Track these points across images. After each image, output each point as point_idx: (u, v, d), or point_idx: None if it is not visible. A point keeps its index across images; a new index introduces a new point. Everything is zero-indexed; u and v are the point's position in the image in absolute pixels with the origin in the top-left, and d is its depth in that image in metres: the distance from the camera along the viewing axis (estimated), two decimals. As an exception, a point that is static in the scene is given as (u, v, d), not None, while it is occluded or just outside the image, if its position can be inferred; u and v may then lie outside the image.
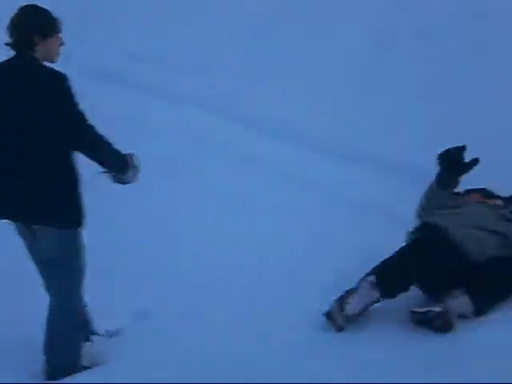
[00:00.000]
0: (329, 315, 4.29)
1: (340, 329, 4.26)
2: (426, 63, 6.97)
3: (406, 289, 4.33)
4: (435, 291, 4.38)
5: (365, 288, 4.27)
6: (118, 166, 4.04)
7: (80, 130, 3.85)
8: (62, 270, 4.04)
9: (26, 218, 3.99)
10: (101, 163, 3.98)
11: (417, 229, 4.65)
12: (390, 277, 4.29)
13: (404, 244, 4.55)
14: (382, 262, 4.40)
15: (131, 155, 4.09)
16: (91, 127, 3.88)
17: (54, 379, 4.09)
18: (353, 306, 4.24)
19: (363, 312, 4.27)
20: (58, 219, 3.94)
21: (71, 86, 3.83)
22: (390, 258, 4.41)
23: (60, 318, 4.12)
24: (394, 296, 4.32)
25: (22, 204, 3.92)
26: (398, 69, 7.07)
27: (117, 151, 3.99)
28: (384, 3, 7.65)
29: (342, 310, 4.25)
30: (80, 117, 3.85)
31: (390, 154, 6.27)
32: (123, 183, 4.13)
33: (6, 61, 3.96)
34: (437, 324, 4.13)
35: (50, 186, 3.89)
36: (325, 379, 3.75)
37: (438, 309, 4.14)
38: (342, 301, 4.27)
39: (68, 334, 4.15)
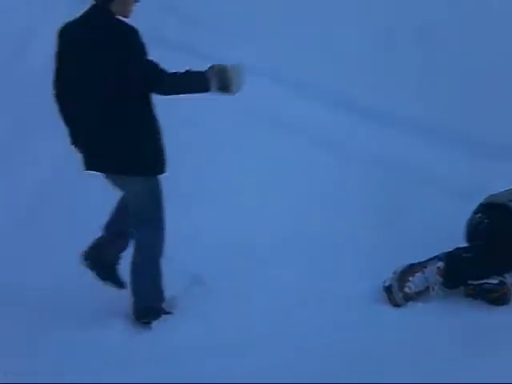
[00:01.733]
0: (388, 289, 4.11)
1: (397, 305, 4.09)
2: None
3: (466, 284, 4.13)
4: None
5: (430, 272, 4.09)
6: (202, 86, 4.04)
7: (157, 77, 3.98)
8: (146, 220, 4.23)
9: (111, 169, 4.16)
10: (187, 92, 4.07)
11: (482, 209, 4.30)
12: (459, 271, 4.08)
13: (469, 225, 4.24)
14: (456, 249, 4.17)
15: (222, 67, 4.07)
16: (164, 72, 3.99)
17: (147, 321, 4.27)
18: (414, 285, 4.08)
19: (422, 293, 4.11)
20: (143, 167, 4.12)
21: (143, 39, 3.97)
22: (465, 250, 4.15)
23: (147, 262, 4.26)
24: (455, 288, 4.12)
25: (108, 156, 4.11)
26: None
27: (191, 76, 4.05)
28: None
29: (401, 287, 4.09)
30: (154, 65, 3.98)
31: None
32: (229, 93, 4.10)
33: (83, 14, 4.05)
34: (493, 296, 3.91)
35: (135, 135, 4.05)
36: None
37: (494, 281, 3.96)
38: (403, 278, 4.10)
39: (154, 277, 4.30)
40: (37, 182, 6.03)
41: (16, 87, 7.05)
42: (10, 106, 6.90)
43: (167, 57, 6.89)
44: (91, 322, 4.25)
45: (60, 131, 4.19)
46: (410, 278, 4.06)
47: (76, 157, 4.19)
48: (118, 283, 4.47)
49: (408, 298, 4.07)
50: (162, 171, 4.20)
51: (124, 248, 4.47)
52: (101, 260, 4.43)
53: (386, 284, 4.11)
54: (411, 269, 4.11)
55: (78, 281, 4.46)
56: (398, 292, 4.06)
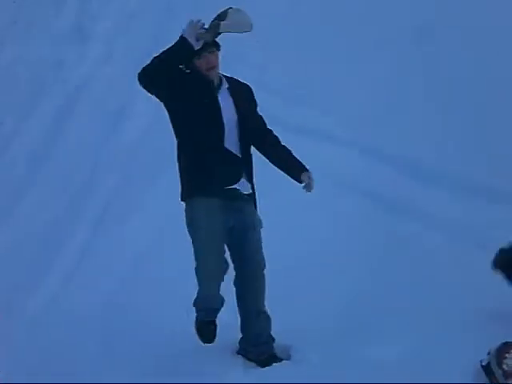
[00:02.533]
0: (487, 368, 4.05)
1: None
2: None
3: None
4: None
5: None
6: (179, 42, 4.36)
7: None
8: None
9: None
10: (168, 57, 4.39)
11: None
12: None
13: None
14: None
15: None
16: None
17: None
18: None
19: None
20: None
21: None
22: None
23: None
24: None
25: None
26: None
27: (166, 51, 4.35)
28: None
29: (499, 364, 4.01)
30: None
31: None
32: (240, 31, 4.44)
33: None
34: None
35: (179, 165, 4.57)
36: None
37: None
38: (499, 355, 4.03)
39: None
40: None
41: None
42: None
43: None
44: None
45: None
46: (507, 355, 4.00)
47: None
48: None
49: (507, 376, 3.99)
50: (190, 196, 4.48)
51: None
52: None
53: (484, 363, 4.07)
54: (506, 347, 4.05)
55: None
56: (497, 369, 4.00)
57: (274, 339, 4.72)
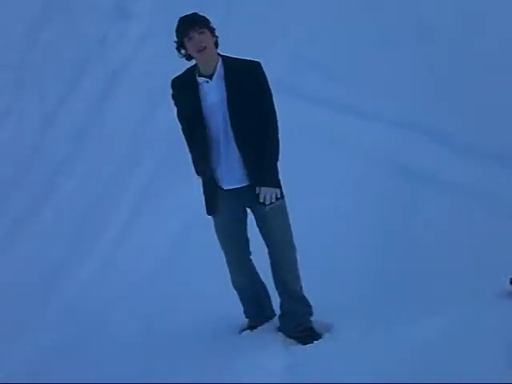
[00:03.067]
0: None
1: None
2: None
3: None
4: None
5: None
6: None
7: None
8: None
9: None
10: None
11: None
12: None
13: None
14: None
15: None
16: None
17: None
18: None
19: None
20: None
21: None
22: None
23: None
24: None
25: None
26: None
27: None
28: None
29: None
30: None
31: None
32: None
33: None
34: None
35: None
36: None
37: None
38: None
39: None
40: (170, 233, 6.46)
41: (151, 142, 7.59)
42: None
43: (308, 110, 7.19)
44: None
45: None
46: None
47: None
48: None
49: None
50: (208, 213, 4.61)
51: None
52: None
53: None
54: None
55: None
56: None
57: (311, 313, 4.73)
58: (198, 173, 4.50)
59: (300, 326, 4.67)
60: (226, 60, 4.47)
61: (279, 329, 4.77)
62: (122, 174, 7.29)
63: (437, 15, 7.96)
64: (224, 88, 4.41)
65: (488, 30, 7.54)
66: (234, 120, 4.41)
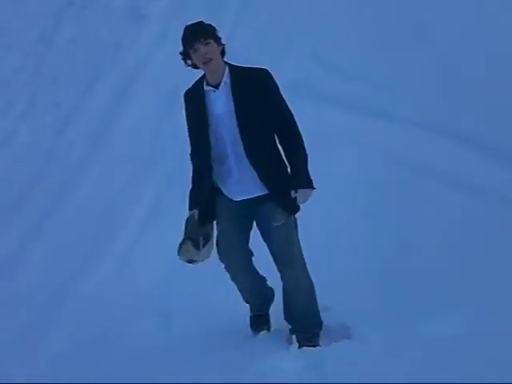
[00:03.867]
0: None
1: None
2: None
3: None
4: None
5: None
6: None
7: None
8: None
9: None
10: None
11: None
12: None
13: None
14: None
15: None
16: None
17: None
18: None
19: None
20: None
21: None
22: None
23: None
24: None
25: None
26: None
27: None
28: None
29: None
30: None
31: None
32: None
33: None
34: None
35: None
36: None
37: None
38: None
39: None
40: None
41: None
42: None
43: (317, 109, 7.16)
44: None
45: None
46: None
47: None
48: None
49: None
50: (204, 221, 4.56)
51: None
52: None
53: None
54: None
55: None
56: None
57: (321, 329, 4.66)
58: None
59: (307, 341, 4.60)
60: (233, 68, 4.42)
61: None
62: (137, 177, 7.32)
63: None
64: (231, 97, 4.36)
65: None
66: (243, 131, 4.34)
